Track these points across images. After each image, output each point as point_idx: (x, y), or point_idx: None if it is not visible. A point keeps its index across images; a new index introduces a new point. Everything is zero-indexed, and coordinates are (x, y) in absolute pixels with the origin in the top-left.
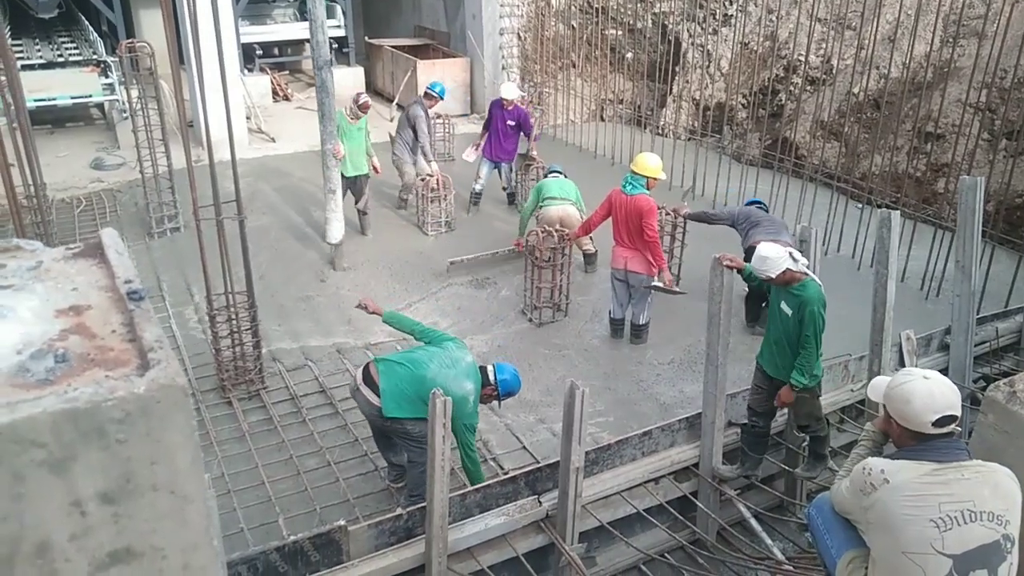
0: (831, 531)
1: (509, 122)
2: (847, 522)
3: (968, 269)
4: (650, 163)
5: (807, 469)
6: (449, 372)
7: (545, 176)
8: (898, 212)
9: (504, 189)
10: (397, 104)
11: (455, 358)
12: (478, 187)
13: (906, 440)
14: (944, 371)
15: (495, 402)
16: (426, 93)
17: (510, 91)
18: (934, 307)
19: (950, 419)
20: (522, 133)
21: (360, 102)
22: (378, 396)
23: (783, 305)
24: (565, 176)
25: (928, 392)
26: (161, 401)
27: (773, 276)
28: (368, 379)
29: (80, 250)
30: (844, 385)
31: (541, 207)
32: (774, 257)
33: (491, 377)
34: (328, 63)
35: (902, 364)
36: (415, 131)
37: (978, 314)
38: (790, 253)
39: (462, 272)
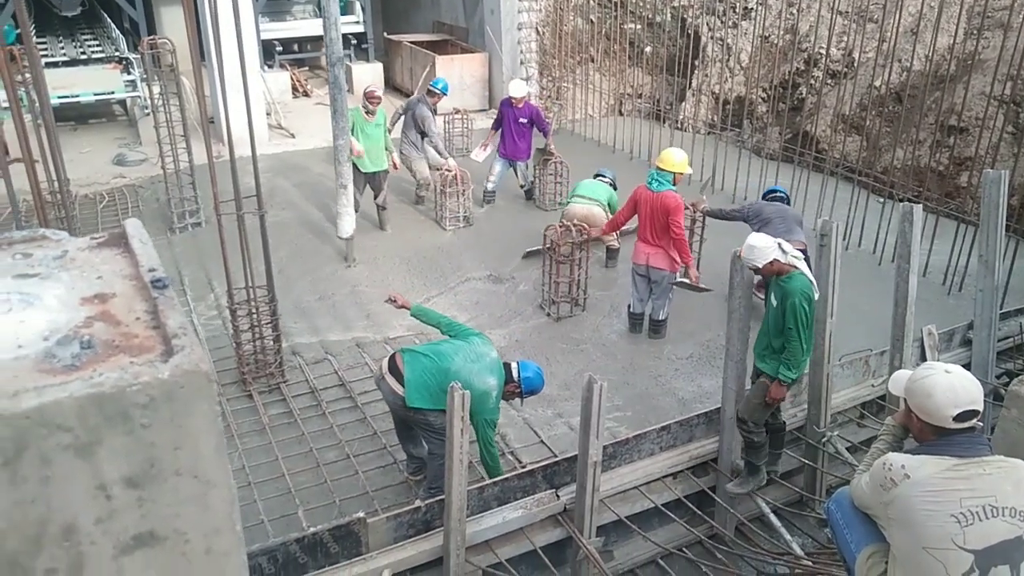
0: (851, 526)
1: (521, 120)
2: (867, 517)
3: (991, 264)
4: (676, 158)
5: (738, 484)
6: (473, 367)
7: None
8: (920, 206)
9: (521, 187)
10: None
11: (480, 353)
12: (491, 185)
13: (927, 435)
14: (967, 366)
15: (517, 399)
16: (429, 91)
17: (518, 88)
18: (956, 302)
19: (972, 414)
20: (536, 129)
21: (369, 94)
22: (402, 386)
23: (772, 296)
24: (613, 184)
25: (950, 386)
26: (185, 387)
27: (760, 266)
28: (394, 368)
29: (104, 239)
30: (865, 380)
31: (568, 203)
32: (761, 247)
33: (515, 374)
34: (341, 60)
35: (924, 359)
36: (423, 131)
37: (1001, 309)
38: (779, 244)
39: (479, 267)
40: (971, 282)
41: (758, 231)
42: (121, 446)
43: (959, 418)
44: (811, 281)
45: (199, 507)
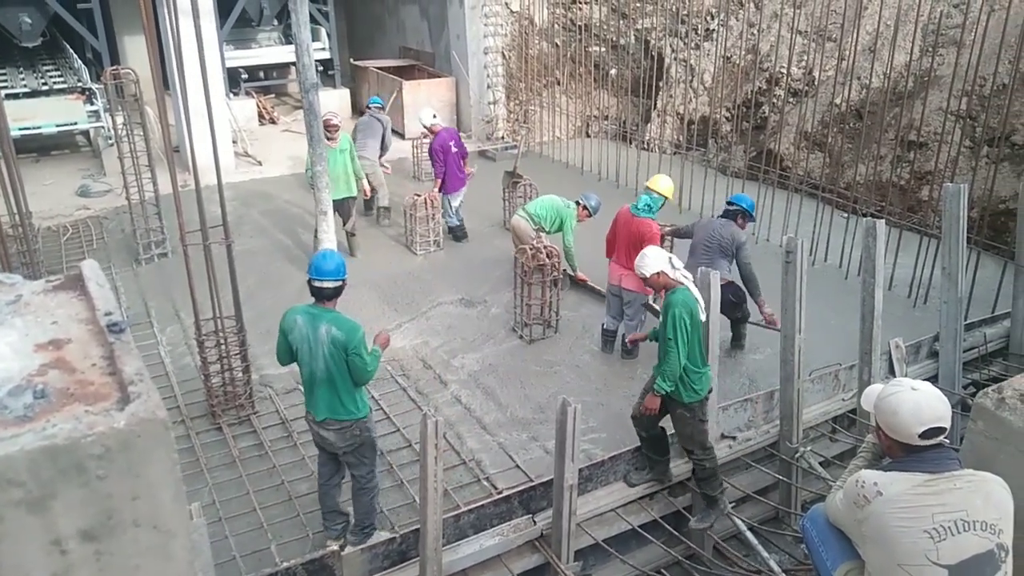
0: (826, 543)
1: (454, 149)
2: (842, 534)
3: (954, 276)
4: (665, 183)
5: (699, 520)
6: (315, 331)
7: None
8: (883, 221)
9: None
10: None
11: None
12: (456, 220)
13: (896, 451)
14: (934, 378)
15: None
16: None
17: (427, 117)
18: (922, 314)
19: (938, 431)
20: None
21: (326, 123)
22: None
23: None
24: (588, 209)
25: (915, 404)
26: (142, 435)
27: (647, 275)
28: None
29: (60, 283)
30: (835, 394)
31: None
32: (651, 257)
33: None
34: (315, 86)
35: (892, 372)
36: (384, 136)
37: (966, 320)
38: (670, 259)
39: (451, 291)
40: (936, 294)
41: (687, 260)
42: (76, 499)
43: (925, 435)
44: (696, 298)
45: (160, 558)
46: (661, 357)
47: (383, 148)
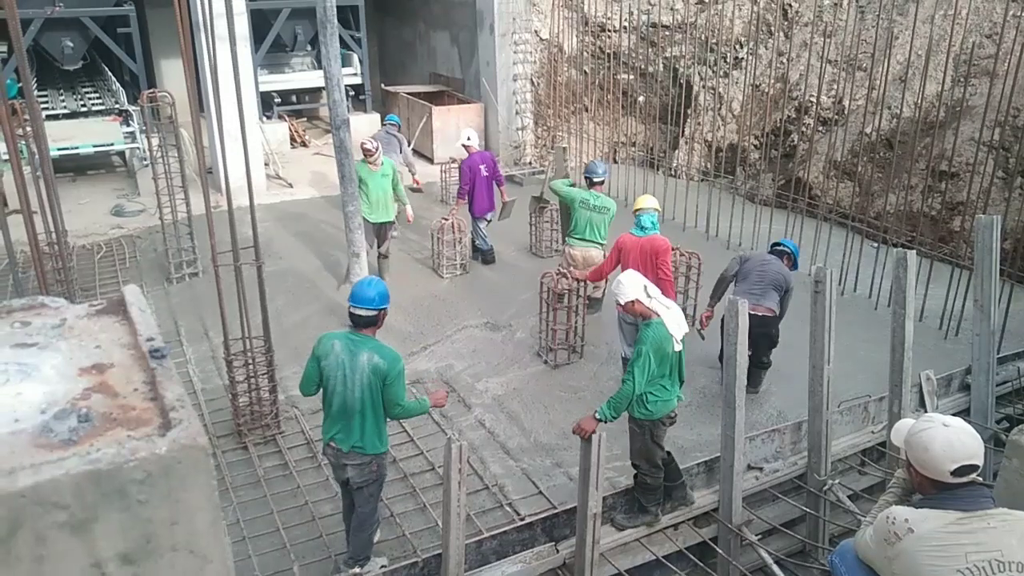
0: None
1: (484, 172)
2: (871, 571)
3: (987, 308)
4: (653, 200)
5: (626, 517)
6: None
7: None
8: (914, 251)
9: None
10: (413, 149)
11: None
12: (486, 244)
13: (927, 488)
14: (966, 412)
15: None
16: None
17: (464, 136)
18: (953, 347)
19: (970, 468)
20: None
21: (362, 147)
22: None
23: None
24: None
25: (947, 441)
26: (182, 462)
27: (622, 303)
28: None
29: (103, 307)
30: (864, 427)
31: (568, 243)
32: (627, 284)
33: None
34: (346, 122)
35: (922, 405)
36: (401, 149)
37: (999, 353)
38: (645, 287)
39: (476, 314)
40: (967, 326)
41: (737, 285)
42: (117, 523)
43: (957, 473)
44: (669, 334)
45: None
46: (622, 383)
47: (409, 166)
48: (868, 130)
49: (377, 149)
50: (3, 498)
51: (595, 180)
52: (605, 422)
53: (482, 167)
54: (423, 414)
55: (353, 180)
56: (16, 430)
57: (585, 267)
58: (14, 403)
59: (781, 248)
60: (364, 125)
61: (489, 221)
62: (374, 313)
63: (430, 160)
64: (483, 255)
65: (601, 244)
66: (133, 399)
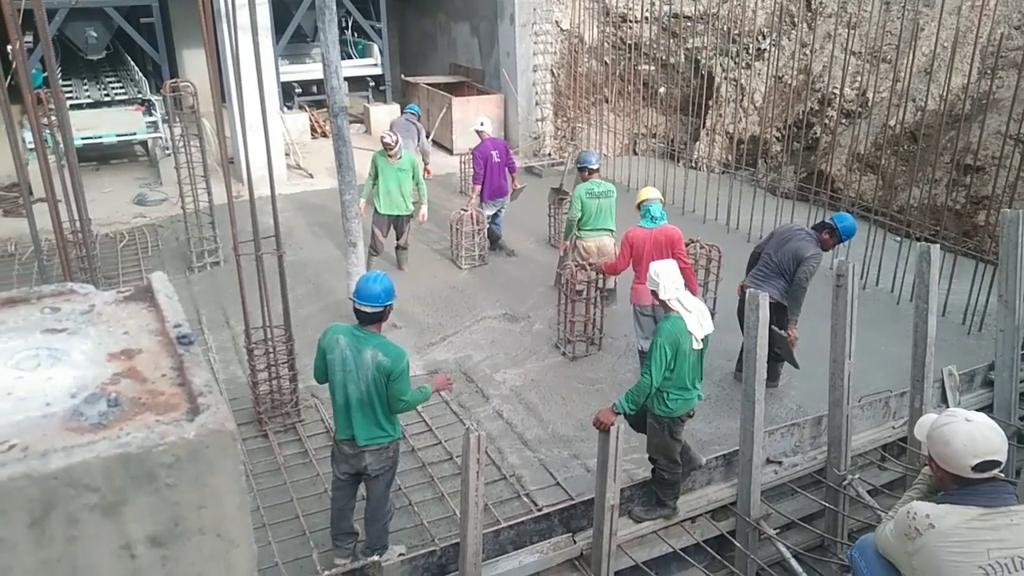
0: (873, 574)
1: (496, 159)
2: (892, 566)
3: (1011, 303)
4: (655, 190)
5: (643, 510)
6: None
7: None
8: (938, 246)
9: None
10: (432, 140)
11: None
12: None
13: (948, 483)
14: (988, 408)
15: None
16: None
17: (478, 123)
18: (976, 342)
19: (992, 464)
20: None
21: (381, 140)
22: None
23: None
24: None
25: (969, 435)
26: (210, 446)
27: (662, 298)
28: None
29: (131, 294)
30: (885, 422)
31: (580, 235)
32: (653, 274)
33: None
34: (343, 110)
35: (944, 401)
36: (419, 139)
37: (1023, 349)
38: (672, 282)
39: (495, 305)
40: (991, 322)
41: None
42: (146, 505)
43: (978, 468)
44: (688, 331)
45: (221, 565)
46: (640, 376)
47: (424, 155)
48: (892, 123)
49: (397, 143)
50: (37, 479)
51: (592, 168)
52: (623, 414)
53: (494, 153)
54: (425, 401)
55: (351, 168)
56: (48, 413)
57: (600, 256)
58: (45, 387)
59: (826, 223)
60: (384, 115)
61: (501, 208)
62: (380, 309)
63: (449, 151)
64: (491, 237)
65: (611, 231)
66: (161, 384)
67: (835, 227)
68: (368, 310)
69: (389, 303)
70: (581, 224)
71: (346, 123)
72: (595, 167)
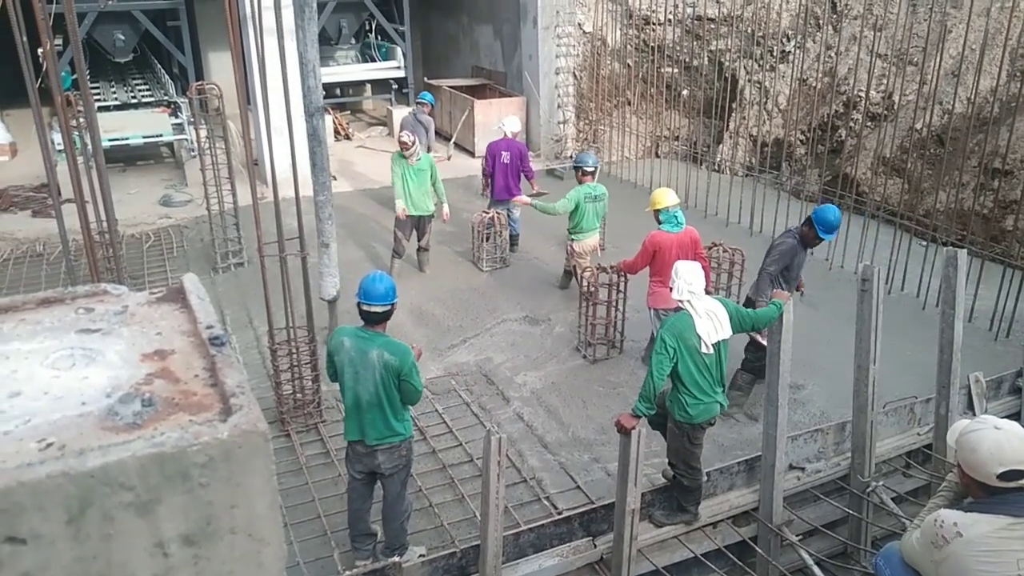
0: None
1: (506, 160)
2: (917, 574)
3: None
4: (671, 194)
5: (664, 515)
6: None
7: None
8: (964, 251)
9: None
10: (454, 143)
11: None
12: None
13: (975, 491)
14: (1016, 415)
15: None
16: (419, 102)
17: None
18: (1004, 348)
19: (1019, 474)
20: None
21: (399, 140)
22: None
23: None
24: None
25: (996, 443)
26: (243, 446)
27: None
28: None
29: (163, 295)
30: (910, 428)
31: (575, 239)
32: (674, 272)
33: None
34: (320, 110)
35: (971, 408)
36: (427, 135)
37: None
38: (688, 283)
39: (515, 308)
40: (1019, 328)
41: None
42: (179, 504)
43: (1004, 477)
44: (696, 331)
45: (252, 565)
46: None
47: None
48: (918, 126)
49: (414, 143)
50: (74, 477)
51: (587, 170)
52: (642, 416)
53: (505, 153)
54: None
55: (326, 170)
56: (83, 412)
57: (591, 255)
58: (81, 387)
59: (809, 217)
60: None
61: (511, 211)
62: (386, 309)
63: (471, 154)
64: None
65: (598, 228)
66: (194, 385)
67: (812, 220)
68: (377, 310)
69: (391, 302)
70: (575, 226)
71: (322, 124)
72: (591, 169)
